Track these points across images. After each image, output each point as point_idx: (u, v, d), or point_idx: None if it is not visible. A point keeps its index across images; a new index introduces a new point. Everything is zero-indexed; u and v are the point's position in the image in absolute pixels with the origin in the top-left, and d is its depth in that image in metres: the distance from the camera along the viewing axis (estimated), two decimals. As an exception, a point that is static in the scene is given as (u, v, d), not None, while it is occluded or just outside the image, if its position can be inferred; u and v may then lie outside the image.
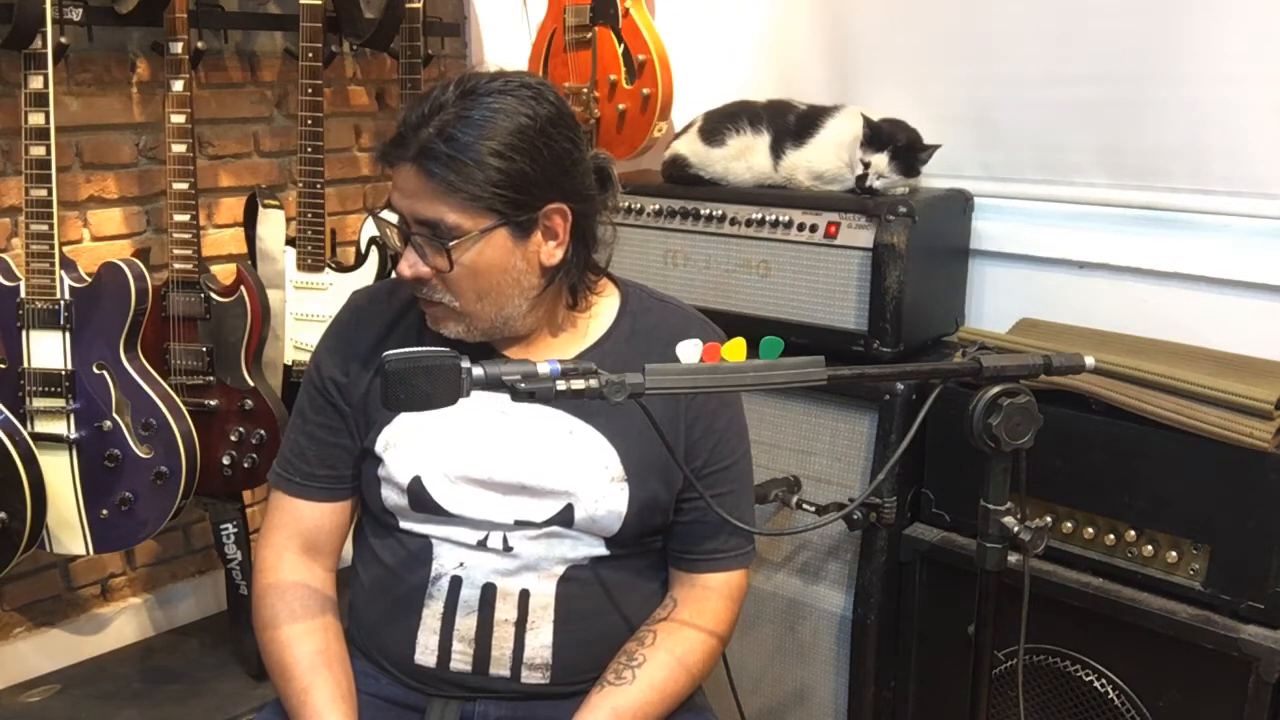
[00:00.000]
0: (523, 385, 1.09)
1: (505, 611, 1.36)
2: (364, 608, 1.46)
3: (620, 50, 2.49)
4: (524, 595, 1.36)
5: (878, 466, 1.94)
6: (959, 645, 1.51)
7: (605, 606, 1.40)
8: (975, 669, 1.37)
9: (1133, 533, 1.70)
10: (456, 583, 1.37)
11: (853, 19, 2.28)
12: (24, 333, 2.19)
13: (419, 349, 1.11)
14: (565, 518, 1.36)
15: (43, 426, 2.21)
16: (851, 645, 1.98)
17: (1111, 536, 1.72)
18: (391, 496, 1.39)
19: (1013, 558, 1.32)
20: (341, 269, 2.55)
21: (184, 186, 2.29)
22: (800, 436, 2.05)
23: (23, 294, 2.18)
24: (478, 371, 1.09)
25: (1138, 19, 1.93)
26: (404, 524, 1.40)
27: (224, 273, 2.48)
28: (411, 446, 1.37)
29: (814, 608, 2.04)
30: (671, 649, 1.38)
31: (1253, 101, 1.86)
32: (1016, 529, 1.28)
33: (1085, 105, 2.02)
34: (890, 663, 1.97)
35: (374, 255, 2.56)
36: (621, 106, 2.52)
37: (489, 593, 1.36)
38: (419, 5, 2.61)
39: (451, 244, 1.25)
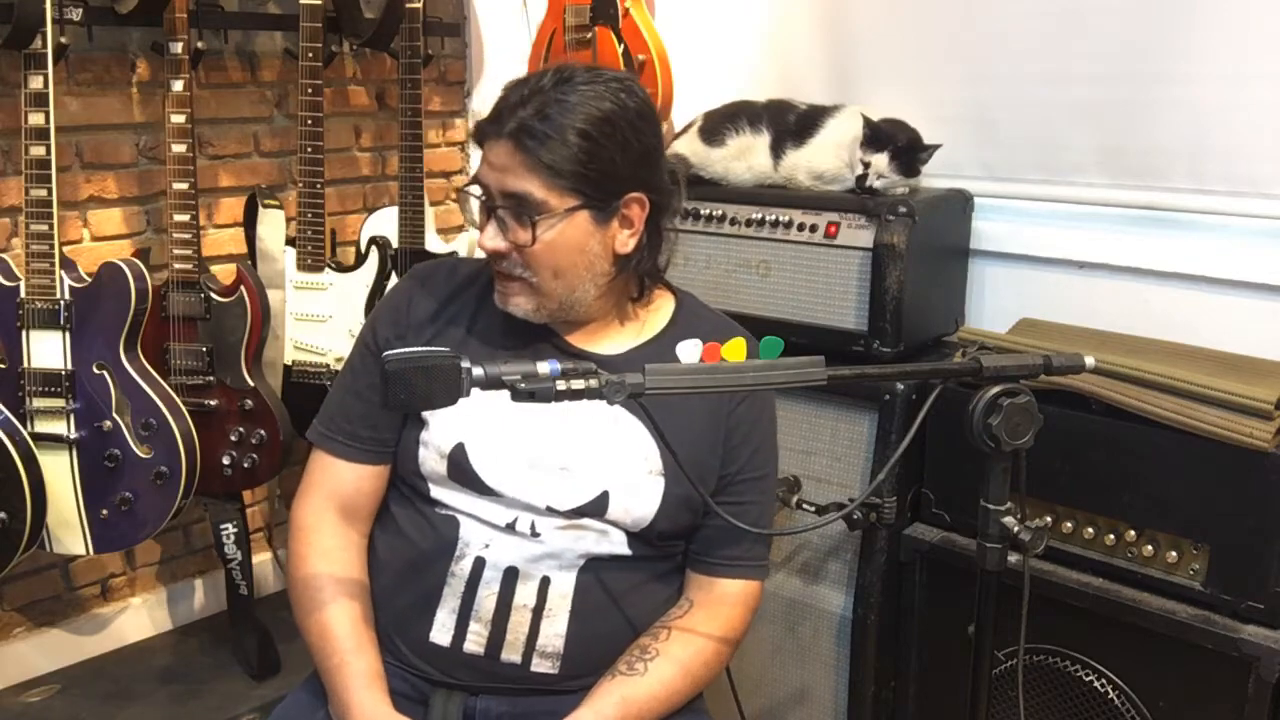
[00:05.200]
0: (523, 385, 1.09)
1: (525, 597, 1.38)
2: (382, 582, 1.46)
3: (620, 50, 2.49)
4: (544, 582, 1.38)
5: (878, 466, 1.94)
6: (959, 645, 1.51)
7: (620, 605, 1.41)
8: (975, 669, 1.37)
9: (1133, 533, 1.70)
10: (480, 563, 1.38)
11: (853, 19, 2.28)
12: (24, 333, 2.19)
13: (419, 349, 1.11)
14: (599, 506, 1.38)
15: (43, 426, 2.21)
16: (851, 645, 1.98)
17: (1111, 536, 1.72)
18: (430, 462, 1.40)
19: (1013, 558, 1.32)
20: (341, 269, 2.55)
21: (184, 186, 2.29)
22: (800, 436, 2.05)
23: (23, 294, 2.17)
24: (478, 371, 1.09)
25: (1138, 19, 1.93)
26: (435, 493, 1.41)
27: (224, 273, 2.48)
28: (459, 414, 1.35)
29: (814, 608, 2.04)
30: (680, 654, 1.40)
31: (1253, 101, 1.86)
32: (1016, 529, 1.28)
33: (1085, 105, 2.03)
34: (890, 663, 1.97)
35: (374, 255, 2.56)
36: (621, 106, 2.52)
37: (511, 576, 1.38)
38: (419, 5, 2.61)
39: (537, 218, 1.30)
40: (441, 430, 1.39)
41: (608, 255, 1.36)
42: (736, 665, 2.03)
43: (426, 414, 1.40)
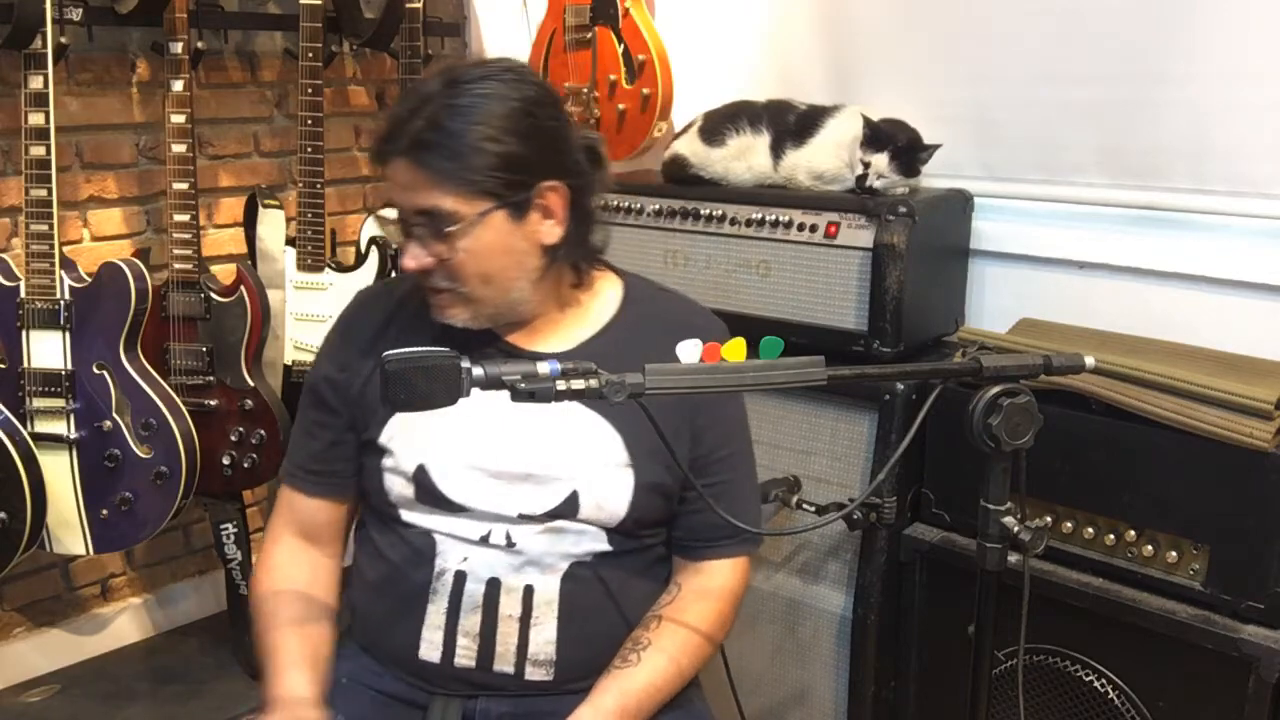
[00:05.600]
0: (523, 385, 1.09)
1: (509, 607, 1.37)
2: (367, 604, 1.46)
3: (620, 50, 2.49)
4: (528, 591, 1.37)
5: (878, 466, 1.94)
6: (959, 645, 1.51)
7: (608, 604, 1.40)
8: (975, 669, 1.37)
9: (1133, 533, 1.70)
10: (460, 578, 1.37)
11: (853, 19, 2.28)
12: (24, 333, 2.19)
13: (419, 349, 1.11)
14: (570, 507, 1.36)
15: (43, 426, 2.21)
16: (851, 645, 1.98)
17: (1111, 536, 1.72)
18: (396, 487, 1.39)
19: (1013, 558, 1.32)
20: (341, 269, 2.55)
21: (184, 186, 2.29)
22: (800, 436, 2.04)
23: (23, 294, 2.18)
24: (478, 371, 1.09)
25: (1138, 19, 1.93)
26: (407, 516, 1.40)
27: (224, 273, 2.48)
28: (416, 436, 1.37)
29: (814, 608, 2.04)
30: (668, 647, 1.39)
31: (1253, 101, 1.86)
32: (1016, 529, 1.28)
33: (1085, 105, 2.02)
34: (890, 663, 1.97)
35: (374, 255, 2.56)
36: (621, 106, 2.52)
37: (493, 588, 1.37)
38: (419, 5, 2.61)
39: (450, 230, 1.27)
40: (404, 454, 1.38)
41: (534, 250, 1.33)
42: (736, 665, 2.03)
43: (385, 441, 1.39)
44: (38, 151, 2.13)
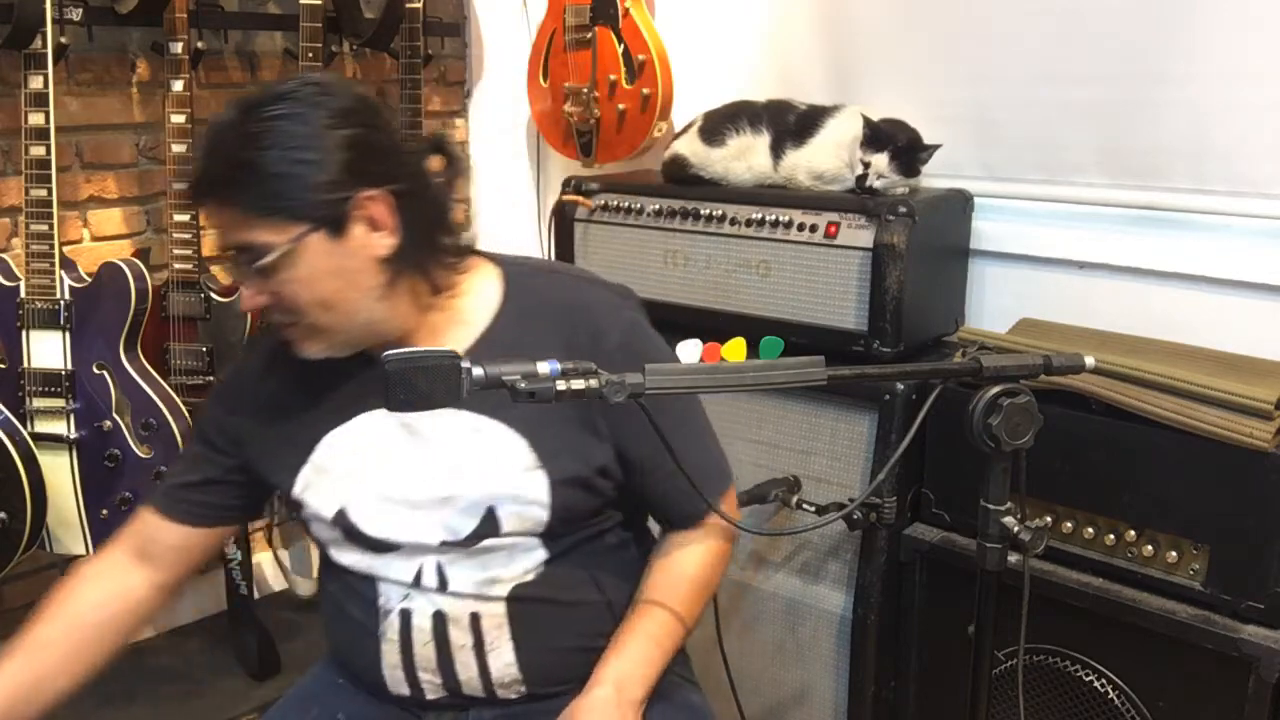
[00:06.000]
0: (523, 385, 1.09)
1: (460, 637, 1.34)
2: (332, 639, 1.47)
3: (620, 50, 2.49)
4: (474, 619, 1.34)
5: (878, 466, 1.94)
6: (959, 645, 1.51)
7: (564, 613, 1.37)
8: (975, 669, 1.37)
9: (1133, 533, 1.70)
10: (406, 615, 1.35)
11: (853, 19, 2.28)
12: (24, 333, 2.19)
13: (419, 349, 1.11)
14: (490, 525, 1.32)
15: (43, 426, 2.21)
16: (851, 645, 1.98)
17: (1111, 536, 1.72)
18: (322, 533, 1.38)
19: (1013, 558, 1.32)
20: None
21: (184, 186, 2.29)
22: (800, 436, 2.05)
23: (23, 294, 2.18)
24: (477, 371, 1.09)
25: (1138, 19, 1.93)
26: (339, 559, 1.38)
27: (224, 273, 2.48)
28: (331, 481, 1.35)
29: (814, 608, 2.04)
30: (663, 581, 1.40)
31: (1253, 101, 1.86)
32: (1016, 529, 1.28)
33: (1085, 105, 2.02)
34: (890, 663, 1.97)
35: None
36: (621, 106, 2.52)
37: (439, 622, 1.34)
38: (419, 5, 2.61)
39: (267, 262, 1.20)
40: (320, 502, 1.35)
41: (369, 266, 1.24)
42: (736, 665, 2.03)
43: (299, 493, 1.36)
44: (38, 151, 2.13)
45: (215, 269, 2.53)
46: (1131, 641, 1.68)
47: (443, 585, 1.34)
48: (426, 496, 1.32)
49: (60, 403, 2.20)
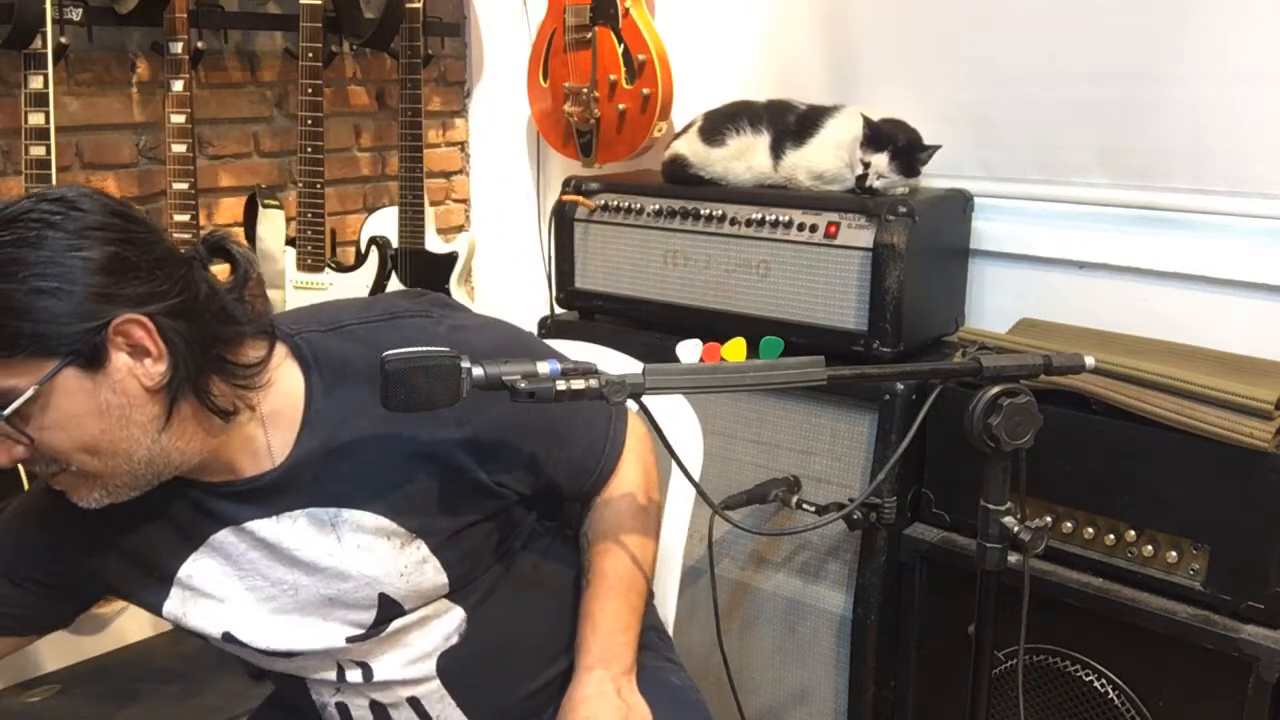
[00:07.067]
0: (523, 385, 1.09)
1: (404, 718, 1.32)
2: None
3: (620, 50, 2.49)
4: (414, 701, 1.30)
5: (878, 466, 1.94)
6: (959, 645, 1.51)
7: (502, 660, 1.33)
8: (975, 669, 1.37)
9: (1133, 533, 1.70)
10: (344, 708, 1.32)
11: (853, 19, 2.28)
12: (24, 333, 2.19)
13: (419, 349, 1.08)
14: (390, 609, 1.24)
15: (43, 426, 2.21)
16: (851, 645, 1.99)
17: (1111, 536, 1.72)
18: (224, 649, 1.30)
19: (1013, 558, 1.32)
20: (341, 269, 2.55)
21: (184, 186, 2.29)
22: (800, 436, 2.04)
23: (23, 294, 2.18)
24: (478, 371, 1.08)
25: (1137, 19, 1.93)
26: (259, 664, 1.33)
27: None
28: (201, 609, 1.27)
29: (814, 608, 2.04)
30: (602, 542, 1.34)
31: (1253, 101, 1.86)
32: (1016, 529, 1.28)
33: (1085, 105, 2.02)
34: (890, 663, 1.97)
35: (374, 255, 2.56)
36: (621, 106, 2.52)
37: (379, 710, 1.31)
38: (419, 5, 2.61)
39: (12, 410, 1.04)
40: (203, 626, 1.26)
41: (140, 397, 1.08)
42: (736, 665, 2.03)
43: (175, 620, 1.27)
44: (38, 151, 2.12)
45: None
46: (1131, 641, 1.68)
47: (368, 677, 1.29)
48: (311, 603, 1.24)
49: (60, 403, 2.20)
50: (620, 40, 2.49)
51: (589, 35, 2.51)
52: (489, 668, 1.31)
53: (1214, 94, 1.89)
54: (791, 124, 2.14)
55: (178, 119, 2.28)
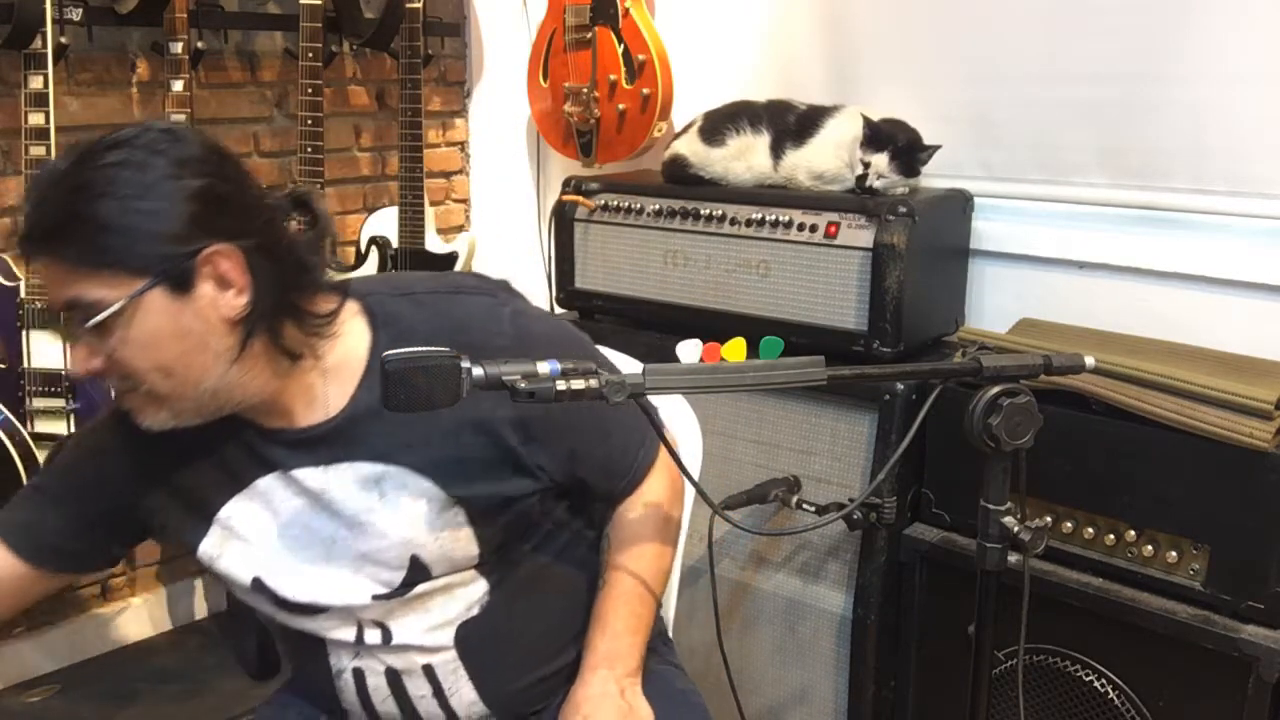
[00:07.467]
0: (523, 385, 1.09)
1: (418, 688, 1.32)
2: (298, 688, 1.45)
3: (620, 50, 2.49)
4: (429, 669, 1.31)
5: (878, 466, 1.94)
6: (959, 645, 1.51)
7: (517, 640, 1.34)
8: (975, 669, 1.37)
9: (1133, 533, 1.70)
10: (360, 674, 1.33)
11: (853, 19, 2.28)
12: (24, 333, 2.19)
13: (419, 349, 1.08)
14: (419, 572, 1.26)
15: (43, 426, 2.21)
16: (851, 645, 1.99)
17: (1111, 536, 1.72)
18: (246, 598, 1.31)
19: (1013, 558, 1.32)
20: (341, 269, 2.54)
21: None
22: (800, 436, 2.05)
23: (23, 294, 2.18)
24: (478, 371, 1.08)
25: (1137, 19, 1.93)
26: (279, 620, 1.33)
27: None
28: (235, 551, 1.28)
29: (814, 608, 2.04)
30: (623, 547, 1.37)
31: (1253, 101, 1.86)
32: (1016, 529, 1.28)
33: (1085, 105, 2.03)
34: (890, 663, 1.97)
35: (374, 255, 2.56)
36: (621, 106, 2.52)
37: (394, 677, 1.32)
38: (419, 5, 2.61)
39: (100, 320, 1.09)
40: (233, 570, 1.28)
41: (218, 327, 1.12)
42: (736, 665, 2.03)
43: (208, 563, 1.28)
44: (38, 151, 2.13)
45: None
46: (1131, 641, 1.68)
47: (387, 639, 1.29)
48: (343, 556, 1.26)
49: (60, 403, 2.20)
50: (620, 40, 2.49)
51: (589, 35, 2.51)
52: (505, 644, 1.33)
53: (1214, 94, 1.89)
54: (791, 124, 2.14)
55: (178, 119, 2.28)
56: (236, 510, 1.27)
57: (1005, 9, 2.08)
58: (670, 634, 1.56)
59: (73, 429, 2.21)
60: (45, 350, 2.20)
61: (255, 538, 1.27)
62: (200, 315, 1.12)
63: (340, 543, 1.26)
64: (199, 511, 1.28)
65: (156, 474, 1.27)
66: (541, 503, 1.31)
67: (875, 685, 1.97)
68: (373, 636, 1.30)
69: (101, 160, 1.09)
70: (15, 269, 2.20)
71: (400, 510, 1.24)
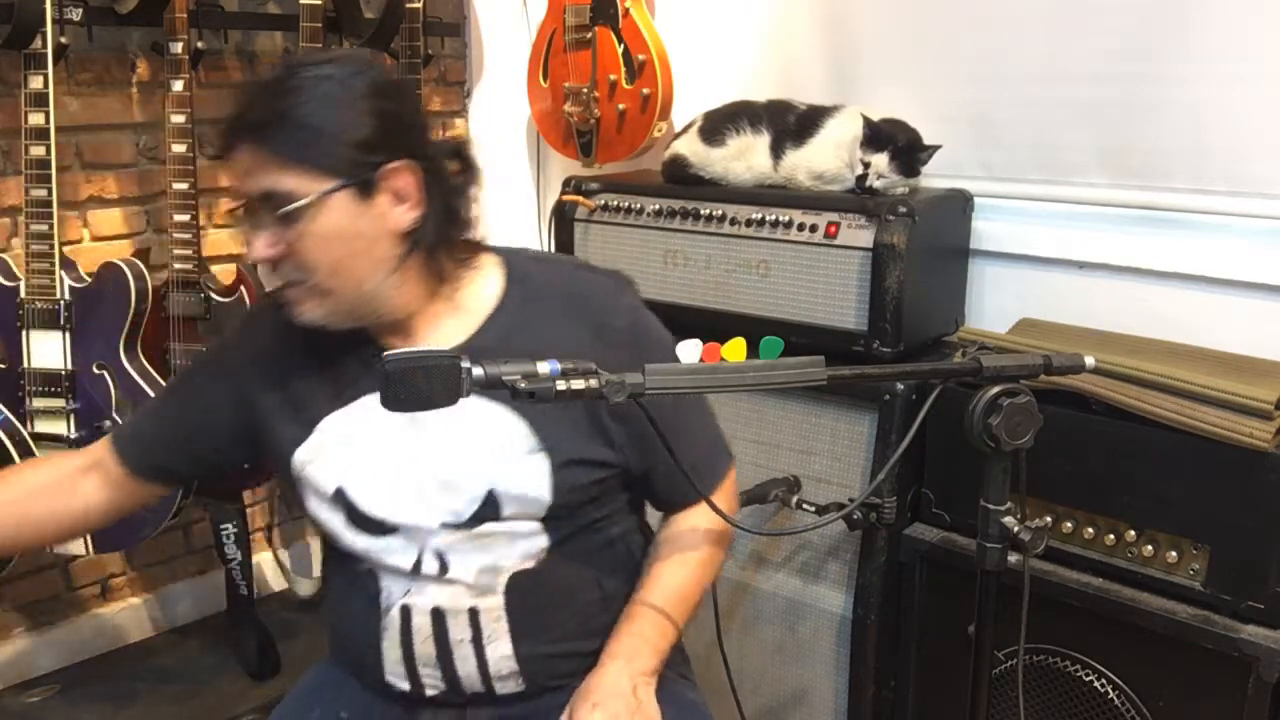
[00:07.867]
0: (523, 385, 1.09)
1: (459, 631, 1.34)
2: (335, 634, 1.47)
3: (620, 50, 2.49)
4: (473, 613, 1.34)
5: (878, 466, 1.94)
6: (959, 645, 1.51)
7: (561, 606, 1.37)
8: (975, 669, 1.37)
9: (1133, 533, 1.70)
10: (406, 612, 1.35)
11: (853, 19, 2.29)
12: (24, 333, 2.19)
13: (419, 349, 1.11)
14: (490, 508, 1.32)
15: (43, 427, 2.21)
16: (851, 645, 1.99)
17: (1111, 536, 1.72)
18: (322, 513, 1.37)
19: (1013, 558, 1.32)
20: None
21: (184, 186, 2.29)
22: (800, 436, 2.05)
23: (23, 294, 2.18)
24: (478, 371, 1.09)
25: (1137, 19, 1.93)
26: (342, 542, 1.38)
27: (224, 273, 2.48)
28: (327, 459, 1.35)
29: (814, 608, 2.04)
30: (670, 553, 1.42)
31: (1253, 101, 1.86)
32: (1016, 529, 1.28)
33: (1085, 105, 2.03)
34: (890, 663, 1.97)
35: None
36: (621, 106, 2.52)
37: (439, 617, 1.34)
38: (419, 5, 2.61)
39: (290, 209, 1.21)
40: (320, 478, 1.35)
41: (387, 236, 1.25)
42: (736, 665, 2.03)
43: (299, 470, 1.36)
44: (38, 151, 2.13)
45: (215, 269, 2.54)
46: (1131, 641, 1.68)
47: (443, 570, 1.33)
48: (426, 478, 1.32)
49: (60, 403, 2.20)
50: (620, 40, 2.49)
51: (589, 35, 2.51)
52: (550, 605, 1.36)
53: (1214, 94, 1.89)
54: (791, 124, 2.14)
55: (178, 119, 2.28)
56: (338, 421, 1.35)
57: (1005, 9, 2.08)
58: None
59: (73, 429, 2.21)
60: (45, 350, 2.20)
61: (348, 449, 1.34)
62: (375, 222, 1.24)
63: (428, 466, 1.32)
64: (303, 417, 1.36)
65: (276, 378, 1.38)
66: (612, 480, 1.38)
67: (875, 685, 1.97)
68: (430, 566, 1.34)
69: (311, 72, 1.23)
70: (15, 269, 2.20)
71: (490, 446, 1.31)
